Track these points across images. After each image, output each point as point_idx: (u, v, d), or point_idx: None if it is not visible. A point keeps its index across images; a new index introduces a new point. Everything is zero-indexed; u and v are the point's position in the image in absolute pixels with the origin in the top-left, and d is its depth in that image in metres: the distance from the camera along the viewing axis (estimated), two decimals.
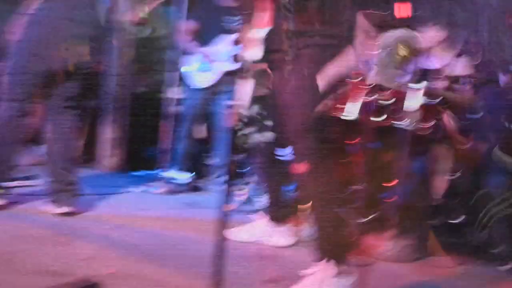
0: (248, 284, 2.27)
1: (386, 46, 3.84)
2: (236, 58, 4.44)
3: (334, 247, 2.37)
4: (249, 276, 2.39)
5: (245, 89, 2.39)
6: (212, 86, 4.59)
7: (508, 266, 2.93)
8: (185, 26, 4.66)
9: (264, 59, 2.46)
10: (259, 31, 2.51)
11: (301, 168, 2.37)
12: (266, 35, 2.50)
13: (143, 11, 5.46)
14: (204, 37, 4.56)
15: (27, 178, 3.81)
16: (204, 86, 4.58)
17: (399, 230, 3.06)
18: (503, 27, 5.32)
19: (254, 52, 2.43)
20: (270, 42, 2.47)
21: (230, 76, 4.48)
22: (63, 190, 3.15)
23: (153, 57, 6.39)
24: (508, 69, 4.91)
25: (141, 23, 5.54)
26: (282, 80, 2.48)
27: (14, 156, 3.18)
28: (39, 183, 3.67)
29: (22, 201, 3.30)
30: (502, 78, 4.93)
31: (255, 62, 2.44)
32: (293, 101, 2.40)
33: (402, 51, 3.67)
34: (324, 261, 2.30)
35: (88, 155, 5.05)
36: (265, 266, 2.53)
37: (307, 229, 2.91)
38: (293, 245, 2.94)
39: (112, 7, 6.38)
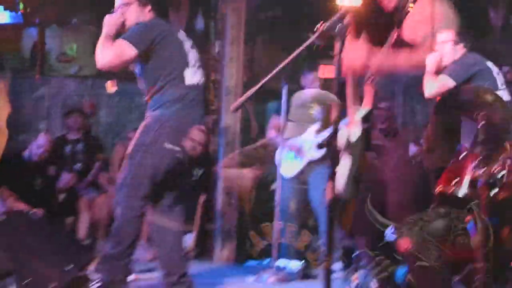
0: None
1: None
2: (320, 146, 4.57)
3: None
4: None
5: (344, 168, 2.43)
6: (300, 173, 4.69)
7: None
8: (273, 122, 4.90)
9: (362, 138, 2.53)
10: (361, 112, 2.58)
11: (406, 245, 2.33)
12: (365, 115, 2.58)
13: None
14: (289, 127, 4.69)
15: (144, 271, 3.92)
16: (293, 175, 4.69)
17: None
18: None
19: (355, 132, 2.50)
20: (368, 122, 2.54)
21: (316, 163, 4.61)
22: (176, 283, 3.19)
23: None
24: None
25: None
26: (384, 157, 2.51)
27: (132, 252, 3.27)
28: (156, 277, 3.80)
29: None
30: None
31: (354, 141, 2.51)
32: (397, 178, 2.41)
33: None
34: None
35: (201, 248, 5.17)
36: None
37: None
38: None
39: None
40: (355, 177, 2.57)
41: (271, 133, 4.98)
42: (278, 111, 4.82)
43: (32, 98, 6.66)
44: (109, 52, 3.15)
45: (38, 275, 2.33)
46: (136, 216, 3.18)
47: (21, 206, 4.31)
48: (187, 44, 3.38)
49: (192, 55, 3.37)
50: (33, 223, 3.06)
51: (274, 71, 2.16)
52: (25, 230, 2.85)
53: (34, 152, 4.87)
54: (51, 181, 5.01)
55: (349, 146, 2.55)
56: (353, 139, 2.56)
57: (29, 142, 6.44)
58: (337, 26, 1.88)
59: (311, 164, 4.67)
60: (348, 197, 2.71)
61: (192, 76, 3.30)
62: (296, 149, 4.67)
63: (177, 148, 3.17)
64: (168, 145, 3.16)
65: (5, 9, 5.67)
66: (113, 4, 3.33)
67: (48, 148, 4.89)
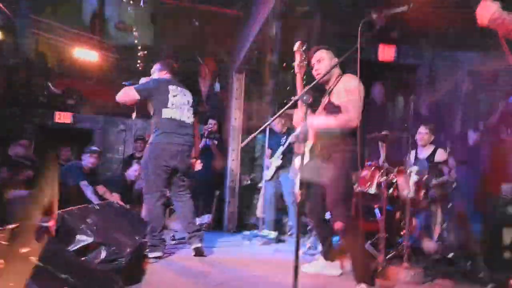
0: None
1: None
2: (281, 158, 4.63)
3: (366, 275, 2.27)
4: None
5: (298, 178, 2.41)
6: (273, 177, 4.69)
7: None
8: (267, 152, 4.78)
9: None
10: (308, 145, 2.57)
11: (339, 225, 2.32)
12: (311, 148, 2.58)
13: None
14: (272, 151, 4.73)
15: (182, 238, 3.85)
16: (268, 178, 4.69)
17: (412, 262, 2.87)
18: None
19: (305, 156, 2.47)
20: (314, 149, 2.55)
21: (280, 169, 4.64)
22: (193, 236, 3.18)
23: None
24: (477, 127, 4.51)
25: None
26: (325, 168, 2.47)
27: (163, 220, 3.20)
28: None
29: (178, 253, 3.34)
30: (472, 136, 4.53)
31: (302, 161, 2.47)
32: (332, 182, 2.37)
33: None
34: (360, 284, 2.20)
35: (215, 223, 5.15)
36: None
37: (349, 264, 2.80)
38: (340, 274, 2.81)
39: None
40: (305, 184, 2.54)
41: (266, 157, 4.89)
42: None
43: (115, 131, 6.68)
44: (123, 93, 3.14)
45: (119, 244, 2.24)
46: (161, 200, 3.12)
47: (113, 197, 4.33)
48: (174, 92, 3.23)
49: (175, 99, 3.22)
50: (116, 209, 3.00)
51: (272, 119, 2.06)
52: (112, 214, 2.80)
53: (132, 174, 4.87)
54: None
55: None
56: (305, 161, 2.52)
57: (113, 158, 6.43)
58: (304, 97, 1.76)
59: (278, 170, 4.69)
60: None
61: (167, 112, 3.16)
62: (269, 163, 4.72)
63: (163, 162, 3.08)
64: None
65: None
66: None
67: (139, 172, 4.79)
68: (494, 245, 3.07)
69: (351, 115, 2.32)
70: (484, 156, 4.53)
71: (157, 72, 3.38)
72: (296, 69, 2.44)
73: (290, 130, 4.97)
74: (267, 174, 4.68)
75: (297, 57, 2.44)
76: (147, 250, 2.94)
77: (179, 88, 3.30)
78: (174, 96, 3.23)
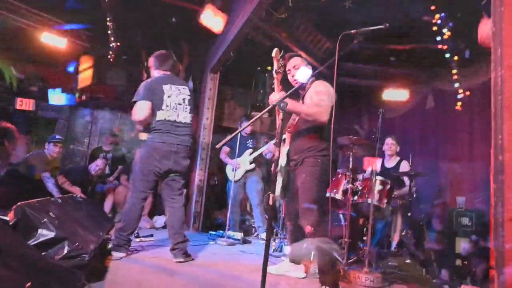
0: None
1: None
2: (251, 162, 4.69)
3: (330, 278, 2.32)
4: None
5: (279, 182, 2.46)
6: (240, 179, 4.73)
7: None
8: (224, 149, 4.92)
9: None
10: (286, 149, 2.61)
11: (309, 229, 2.37)
12: (287, 151, 2.62)
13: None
14: (237, 152, 4.73)
15: (145, 236, 3.79)
16: (236, 179, 4.71)
17: (372, 267, 2.98)
18: None
19: (283, 160, 2.53)
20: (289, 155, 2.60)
21: (249, 172, 4.70)
22: (176, 248, 3.01)
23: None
24: None
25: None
26: (297, 175, 2.52)
27: (135, 226, 3.02)
28: (153, 239, 3.72)
29: (142, 251, 3.27)
30: None
31: (283, 166, 2.53)
32: (304, 188, 2.42)
33: None
34: (324, 287, 2.25)
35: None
36: None
37: (313, 267, 2.86)
38: (305, 277, 2.86)
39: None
40: (283, 187, 2.59)
41: (223, 155, 4.98)
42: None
43: (81, 122, 6.42)
44: (141, 111, 2.95)
45: (83, 239, 2.17)
46: (141, 200, 2.99)
47: (73, 189, 4.16)
48: (168, 93, 3.05)
49: (170, 100, 3.04)
50: (78, 203, 2.90)
51: (249, 122, 2.08)
52: (74, 208, 2.70)
53: (94, 168, 4.67)
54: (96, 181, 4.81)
55: (280, 169, 2.59)
56: (282, 164, 2.60)
57: (76, 150, 6.17)
58: (281, 104, 1.84)
59: (247, 173, 4.73)
60: (281, 198, 2.71)
61: (161, 115, 3.00)
62: (237, 165, 4.72)
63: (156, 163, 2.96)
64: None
65: (62, 91, 5.31)
66: None
67: (103, 168, 4.66)
68: (448, 253, 3.26)
69: (321, 109, 2.38)
70: (442, 169, 4.78)
71: (154, 69, 3.17)
72: (274, 75, 2.48)
73: (255, 132, 5.04)
74: (235, 175, 4.68)
75: (275, 64, 2.47)
76: (111, 247, 2.84)
77: (173, 86, 3.09)
78: (168, 96, 3.05)
